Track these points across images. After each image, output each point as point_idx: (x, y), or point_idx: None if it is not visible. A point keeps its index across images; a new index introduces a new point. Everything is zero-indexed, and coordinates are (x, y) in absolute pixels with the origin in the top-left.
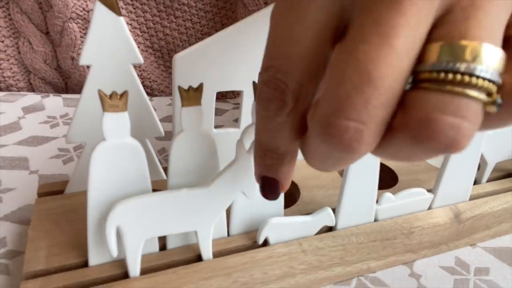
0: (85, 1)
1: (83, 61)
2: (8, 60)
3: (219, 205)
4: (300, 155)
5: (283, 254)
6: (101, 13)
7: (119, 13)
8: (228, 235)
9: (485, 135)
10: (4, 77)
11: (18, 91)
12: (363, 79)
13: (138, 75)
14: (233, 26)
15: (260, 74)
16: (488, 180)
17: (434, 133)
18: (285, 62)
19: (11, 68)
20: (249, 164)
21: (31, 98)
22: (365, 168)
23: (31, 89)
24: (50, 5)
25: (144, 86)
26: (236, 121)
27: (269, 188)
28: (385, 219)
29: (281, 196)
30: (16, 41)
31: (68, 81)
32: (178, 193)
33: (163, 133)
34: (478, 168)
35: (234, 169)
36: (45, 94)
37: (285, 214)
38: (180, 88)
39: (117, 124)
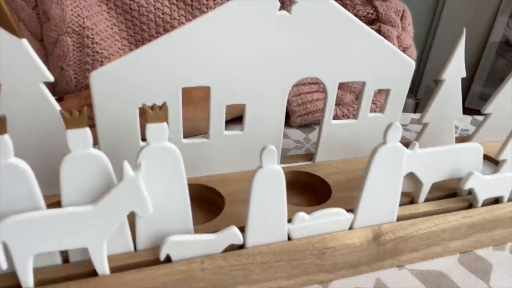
0: (83, 18)
1: None
2: None
3: (107, 223)
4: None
5: (182, 271)
6: (1, 36)
7: (20, 35)
8: (136, 249)
9: (412, 156)
10: None
11: None
12: None
13: None
14: (153, 42)
15: None
16: (429, 200)
17: None
18: None
19: None
20: (136, 184)
21: None
22: (271, 188)
23: None
24: (48, 18)
25: None
26: None
27: None
28: (300, 238)
29: (189, 213)
30: None
31: (56, 86)
32: (63, 212)
33: None
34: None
35: (120, 189)
36: None
37: (201, 230)
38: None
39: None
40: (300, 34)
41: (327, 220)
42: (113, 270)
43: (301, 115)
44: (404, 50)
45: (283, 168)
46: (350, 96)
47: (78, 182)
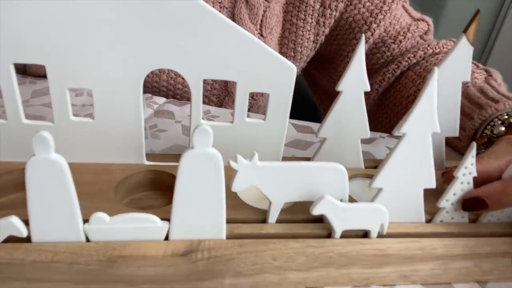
0: None
1: None
2: None
3: None
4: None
5: None
6: None
7: None
8: None
9: (251, 169)
10: None
11: None
12: None
13: None
14: None
15: None
16: (290, 221)
17: None
18: None
19: None
20: None
21: None
22: (50, 179)
23: None
24: None
25: None
26: None
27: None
28: (101, 241)
29: None
30: None
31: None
32: None
33: None
34: None
35: None
36: None
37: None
38: None
39: None
40: (150, 22)
41: (133, 225)
42: None
43: None
44: None
45: (147, 166)
46: None
47: None
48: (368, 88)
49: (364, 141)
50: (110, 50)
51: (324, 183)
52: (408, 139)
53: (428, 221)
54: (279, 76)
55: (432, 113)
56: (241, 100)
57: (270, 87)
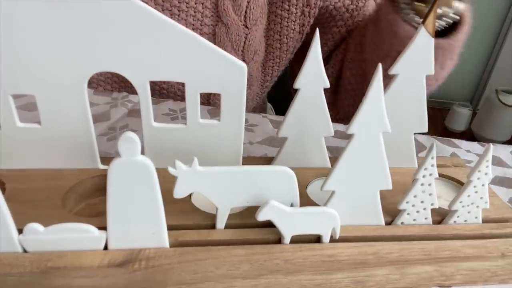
0: None
1: None
2: None
3: None
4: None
5: None
6: None
7: None
8: None
9: (192, 174)
10: None
11: None
12: None
13: None
14: None
15: None
16: (243, 227)
17: None
18: None
19: None
20: None
21: None
22: None
23: None
24: None
25: None
26: None
27: None
28: (37, 251)
29: None
30: None
31: None
32: None
33: None
34: None
35: None
36: None
37: None
38: None
39: None
40: (88, 24)
41: (69, 236)
42: None
43: None
44: None
45: (103, 170)
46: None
47: None
48: (327, 85)
49: (345, 136)
50: (49, 54)
51: (271, 187)
52: (357, 140)
53: (389, 223)
54: (229, 76)
55: (381, 113)
56: (192, 101)
57: (221, 87)
